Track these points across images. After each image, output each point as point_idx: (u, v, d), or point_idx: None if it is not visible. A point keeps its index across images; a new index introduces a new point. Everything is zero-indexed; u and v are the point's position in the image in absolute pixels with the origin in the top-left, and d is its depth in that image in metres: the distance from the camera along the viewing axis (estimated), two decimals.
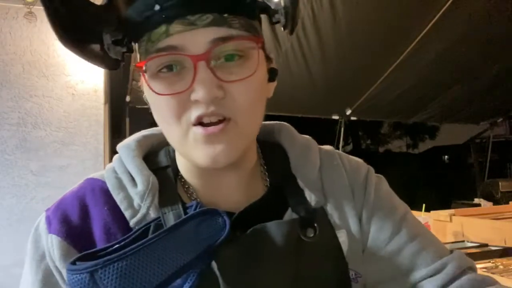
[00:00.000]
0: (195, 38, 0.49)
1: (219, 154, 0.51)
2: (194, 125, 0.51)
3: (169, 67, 0.51)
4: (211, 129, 0.50)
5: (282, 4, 0.54)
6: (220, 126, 0.50)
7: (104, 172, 0.61)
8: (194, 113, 0.50)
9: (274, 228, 0.53)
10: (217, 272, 0.51)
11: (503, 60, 3.66)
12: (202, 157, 0.51)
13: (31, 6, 2.31)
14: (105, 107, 2.70)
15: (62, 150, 2.53)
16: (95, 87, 2.60)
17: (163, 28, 0.49)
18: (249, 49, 0.52)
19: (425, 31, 3.07)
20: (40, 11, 2.42)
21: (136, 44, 0.54)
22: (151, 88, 0.51)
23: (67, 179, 2.51)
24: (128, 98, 3.41)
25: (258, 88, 0.53)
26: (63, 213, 0.56)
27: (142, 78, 0.55)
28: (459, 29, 3.15)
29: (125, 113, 3.59)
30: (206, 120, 0.50)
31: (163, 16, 0.49)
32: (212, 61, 0.50)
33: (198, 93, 0.48)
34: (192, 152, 0.52)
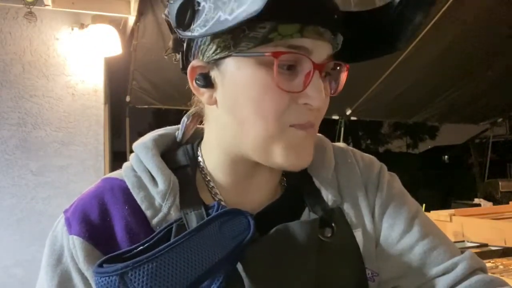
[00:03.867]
0: (320, 47, 0.52)
1: (307, 158, 0.55)
2: (291, 126, 0.52)
3: (290, 65, 0.52)
4: (310, 131, 0.54)
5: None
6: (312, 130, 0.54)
7: (120, 171, 0.60)
8: (303, 118, 0.53)
9: (297, 228, 0.54)
10: (242, 272, 0.50)
11: (503, 60, 3.66)
12: (292, 159, 0.53)
13: (31, 6, 2.31)
14: (105, 107, 2.70)
15: (62, 150, 2.53)
16: (95, 87, 2.60)
17: (297, 26, 0.49)
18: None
19: (425, 31, 3.07)
20: (40, 11, 2.42)
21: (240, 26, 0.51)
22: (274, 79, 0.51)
23: (67, 179, 2.51)
24: (128, 98, 3.39)
25: None
26: (82, 213, 0.55)
27: (239, 65, 0.52)
28: (459, 29, 3.15)
29: (125, 113, 3.58)
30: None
31: (300, 16, 0.50)
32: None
33: (313, 100, 0.51)
34: (279, 152, 0.53)
